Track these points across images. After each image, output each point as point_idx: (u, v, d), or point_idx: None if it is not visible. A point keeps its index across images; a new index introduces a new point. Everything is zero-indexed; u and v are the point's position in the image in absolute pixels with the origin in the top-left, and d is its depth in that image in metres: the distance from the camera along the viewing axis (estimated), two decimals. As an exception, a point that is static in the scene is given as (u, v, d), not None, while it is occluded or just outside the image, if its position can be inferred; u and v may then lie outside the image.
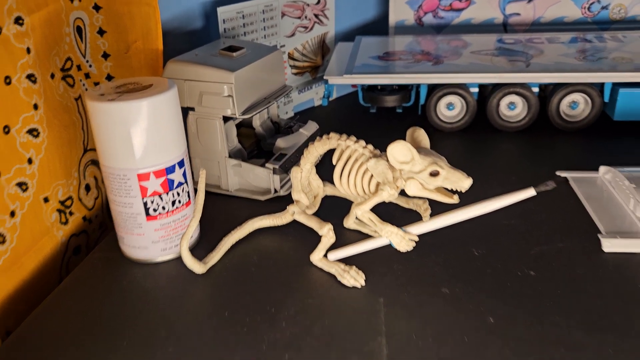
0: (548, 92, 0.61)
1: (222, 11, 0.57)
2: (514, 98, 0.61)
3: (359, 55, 0.66)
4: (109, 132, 0.38)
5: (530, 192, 0.35)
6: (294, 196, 0.42)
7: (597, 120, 0.61)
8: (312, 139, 0.55)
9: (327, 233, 0.40)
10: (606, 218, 0.44)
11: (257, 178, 0.51)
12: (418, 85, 0.63)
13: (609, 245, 0.41)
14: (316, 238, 0.41)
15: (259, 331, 0.35)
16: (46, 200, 0.43)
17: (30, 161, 0.41)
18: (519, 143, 0.61)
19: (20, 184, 0.40)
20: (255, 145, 0.56)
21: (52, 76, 0.44)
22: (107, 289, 0.40)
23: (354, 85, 0.72)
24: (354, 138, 0.39)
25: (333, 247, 0.41)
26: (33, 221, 0.42)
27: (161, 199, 0.41)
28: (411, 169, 0.36)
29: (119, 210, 0.41)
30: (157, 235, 0.42)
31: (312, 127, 0.57)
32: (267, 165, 0.50)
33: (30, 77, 0.40)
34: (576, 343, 0.33)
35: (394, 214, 0.42)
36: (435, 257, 0.41)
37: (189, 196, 0.43)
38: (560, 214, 0.46)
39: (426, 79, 0.60)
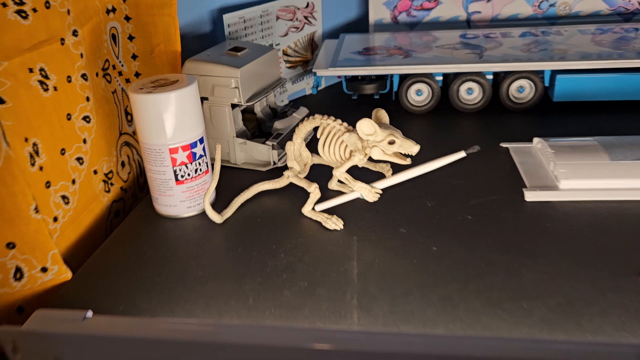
0: (500, 79, 0.73)
1: (227, 17, 0.69)
2: (471, 84, 0.73)
3: (342, 51, 0.78)
4: (147, 116, 0.51)
5: (461, 154, 0.48)
6: (289, 164, 0.55)
7: (540, 101, 0.73)
8: (303, 121, 0.67)
9: (314, 190, 0.52)
10: (532, 177, 0.57)
11: (259, 153, 0.63)
12: (392, 75, 0.76)
13: (530, 195, 0.53)
14: (306, 196, 0.53)
15: (264, 260, 0.47)
16: (95, 172, 0.56)
17: (85, 141, 0.53)
18: (476, 122, 0.73)
19: (78, 159, 0.53)
20: (257, 127, 0.69)
21: (97, 75, 0.56)
22: (146, 237, 0.53)
23: (338, 76, 0.84)
24: (332, 117, 0.51)
25: (319, 202, 0.53)
26: (87, 188, 0.54)
27: (187, 167, 0.53)
28: (374, 139, 0.48)
29: (154, 177, 0.54)
30: (184, 196, 0.54)
31: (303, 111, 0.69)
32: (267, 142, 0.62)
33: (83, 76, 0.53)
34: (493, 260, 0.45)
35: (364, 175, 0.55)
36: (397, 208, 0.54)
37: (207, 166, 0.55)
38: (497, 176, 0.58)
39: (398, 70, 0.72)
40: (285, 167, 0.57)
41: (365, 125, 0.47)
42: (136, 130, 0.53)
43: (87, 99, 0.53)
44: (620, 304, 0.40)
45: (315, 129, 0.55)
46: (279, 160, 0.63)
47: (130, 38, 0.63)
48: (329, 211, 0.53)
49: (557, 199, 0.53)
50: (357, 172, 0.54)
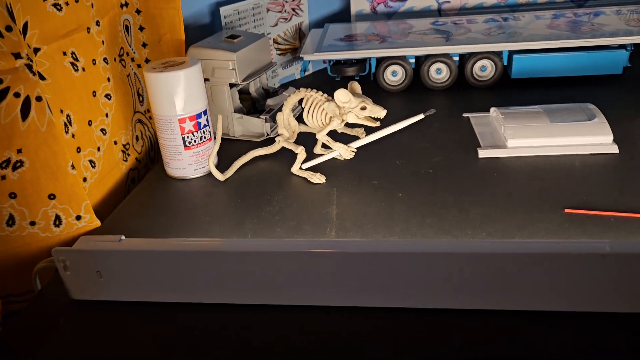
0: (465, 59, 0.83)
1: (224, 10, 0.79)
2: (440, 65, 0.83)
3: (326, 38, 0.88)
4: (160, 92, 0.61)
5: (420, 116, 0.58)
6: (279, 131, 0.65)
7: (500, 78, 0.83)
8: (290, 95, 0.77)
9: (300, 151, 0.62)
10: (486, 139, 0.67)
11: (254, 126, 0.73)
12: (370, 59, 0.85)
13: (482, 153, 0.64)
14: (295, 158, 0.63)
15: (260, 207, 0.57)
16: (115, 142, 0.65)
17: (107, 115, 0.63)
18: (444, 98, 0.83)
19: (102, 130, 0.62)
20: (252, 105, 0.79)
21: (115, 60, 0.66)
22: (160, 194, 0.62)
23: (324, 61, 0.94)
24: (315, 90, 0.61)
25: (305, 162, 0.63)
26: (109, 155, 0.64)
27: (193, 135, 0.63)
28: (349, 106, 0.58)
29: (165, 144, 0.64)
30: (192, 160, 0.64)
31: (291, 90, 0.79)
32: (261, 116, 0.72)
33: (105, 60, 0.62)
34: (447, 202, 0.55)
35: (342, 138, 0.65)
36: (371, 166, 0.64)
37: (210, 134, 0.65)
38: (458, 140, 0.68)
39: (374, 53, 0.82)
40: (277, 136, 0.67)
41: (341, 94, 0.57)
42: (150, 104, 0.63)
43: (108, 79, 0.63)
44: (545, 228, 0.50)
45: (301, 101, 0.65)
46: (272, 131, 0.73)
47: (141, 28, 0.73)
48: (314, 169, 0.63)
49: (505, 155, 0.63)
50: (337, 136, 0.64)
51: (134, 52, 0.73)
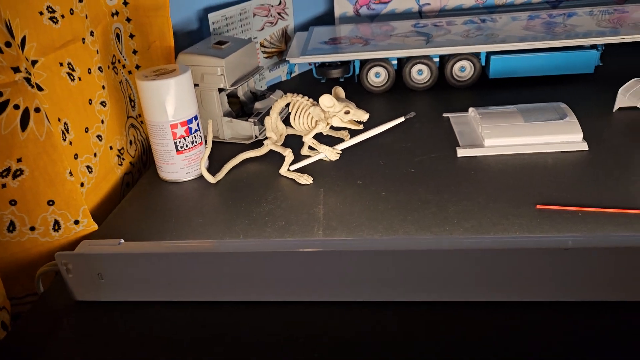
0: (445, 60, 0.87)
1: (212, 16, 0.82)
2: (421, 67, 0.87)
3: (311, 41, 0.91)
4: (152, 99, 0.63)
5: (400, 119, 0.61)
6: (267, 134, 0.68)
7: (478, 79, 0.87)
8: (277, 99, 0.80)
9: (288, 154, 0.65)
10: (465, 139, 0.70)
11: (243, 129, 0.76)
12: (354, 61, 0.88)
13: (461, 152, 0.67)
14: (283, 161, 0.66)
15: (250, 209, 0.60)
16: (110, 148, 0.68)
17: (102, 122, 0.66)
18: (426, 98, 0.87)
19: (98, 136, 0.65)
20: (240, 109, 0.81)
21: (108, 67, 0.68)
22: (154, 197, 0.65)
23: (310, 63, 0.96)
24: (301, 95, 0.64)
25: (293, 164, 0.66)
26: (105, 161, 0.67)
27: (185, 140, 0.66)
28: (333, 110, 0.61)
29: (158, 149, 0.66)
30: (184, 164, 0.67)
31: (278, 94, 0.82)
32: (249, 119, 0.75)
33: (99, 68, 0.65)
34: (427, 200, 0.59)
35: (328, 140, 0.68)
36: (356, 167, 0.67)
37: (201, 139, 0.68)
38: (438, 139, 0.72)
39: (358, 56, 0.85)
40: (265, 139, 0.70)
41: (326, 100, 0.61)
42: (142, 111, 0.66)
43: (103, 87, 0.66)
44: (518, 224, 0.54)
45: (289, 104, 0.67)
46: (260, 134, 0.76)
47: (131, 36, 0.75)
48: (301, 170, 0.66)
49: (482, 154, 0.67)
50: (323, 139, 0.67)
51: (125, 60, 0.75)
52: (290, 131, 0.70)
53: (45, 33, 0.55)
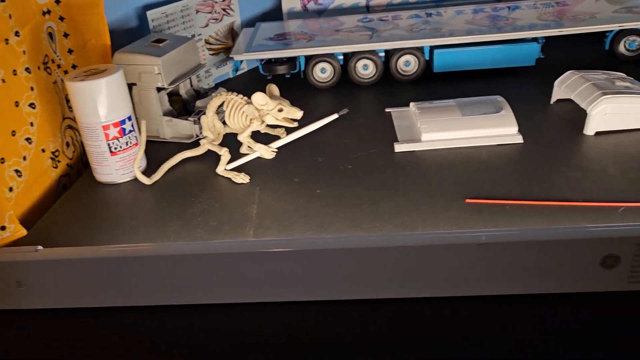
0: (390, 55, 0.87)
1: (150, 13, 0.80)
2: (366, 62, 0.86)
3: (256, 38, 0.90)
4: (82, 100, 0.62)
5: (334, 116, 0.61)
6: (204, 133, 0.67)
7: (423, 73, 0.87)
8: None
9: (224, 153, 0.65)
10: (404, 134, 0.70)
11: (184, 128, 0.75)
12: (299, 57, 0.88)
13: (398, 147, 0.67)
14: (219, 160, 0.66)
15: (184, 209, 0.60)
16: (43, 150, 0.66)
17: (32, 124, 0.64)
18: (372, 93, 0.86)
19: (27, 139, 0.63)
20: (183, 107, 0.80)
21: (39, 68, 0.67)
22: (88, 201, 0.64)
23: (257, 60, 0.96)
24: (235, 93, 0.63)
25: (230, 163, 0.66)
26: (36, 164, 0.65)
27: (119, 141, 0.64)
28: (267, 108, 0.60)
29: (92, 151, 0.65)
30: (118, 165, 0.65)
31: (219, 92, 0.81)
32: (189, 118, 0.74)
33: (27, 69, 0.63)
34: (361, 196, 0.59)
35: (265, 138, 0.67)
36: (294, 164, 0.66)
37: (136, 139, 0.67)
38: (379, 135, 0.72)
39: (301, 52, 0.84)
40: (202, 138, 0.69)
41: (258, 97, 0.60)
42: (74, 112, 0.64)
43: (32, 88, 0.64)
44: (447, 218, 0.54)
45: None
46: (201, 132, 0.75)
47: (66, 35, 0.73)
48: (239, 170, 0.66)
49: (419, 149, 0.67)
50: (260, 137, 0.66)
51: (60, 59, 0.73)
52: (228, 129, 0.69)
53: (-39, 34, 0.54)
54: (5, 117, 0.59)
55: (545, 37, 0.85)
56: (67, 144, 0.72)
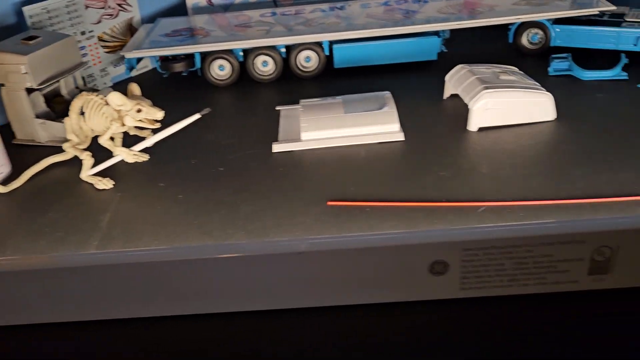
0: (290, 51, 0.84)
1: (27, 9, 0.76)
2: (265, 58, 0.83)
3: (152, 34, 0.86)
4: None
5: (196, 116, 0.57)
6: (67, 136, 0.63)
7: (324, 69, 0.84)
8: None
9: (85, 157, 0.61)
10: (286, 133, 0.67)
11: (59, 130, 0.71)
12: (195, 54, 0.84)
13: (276, 147, 0.64)
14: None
15: (34, 219, 0.56)
16: None
17: None
18: (272, 90, 0.83)
19: None
20: (66, 108, 0.76)
21: None
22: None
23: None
24: (95, 93, 0.59)
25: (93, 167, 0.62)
26: None
27: (-29, 146, 0.60)
28: (125, 109, 0.57)
29: (-57, 157, 0.61)
30: (-26, 172, 0.61)
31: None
32: (62, 120, 0.70)
33: None
34: (222, 200, 0.55)
35: (128, 141, 0.63)
36: (164, 168, 0.63)
37: (-5, 144, 0.63)
38: (261, 134, 0.68)
39: (194, 49, 0.81)
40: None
41: (115, 97, 0.56)
42: None
43: None
44: (303, 223, 0.51)
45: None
46: (77, 135, 0.71)
47: None
48: (103, 174, 0.62)
49: (298, 149, 0.64)
50: (128, 139, 0.63)
51: None
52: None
53: None
54: None
55: (451, 31, 0.82)
56: None
